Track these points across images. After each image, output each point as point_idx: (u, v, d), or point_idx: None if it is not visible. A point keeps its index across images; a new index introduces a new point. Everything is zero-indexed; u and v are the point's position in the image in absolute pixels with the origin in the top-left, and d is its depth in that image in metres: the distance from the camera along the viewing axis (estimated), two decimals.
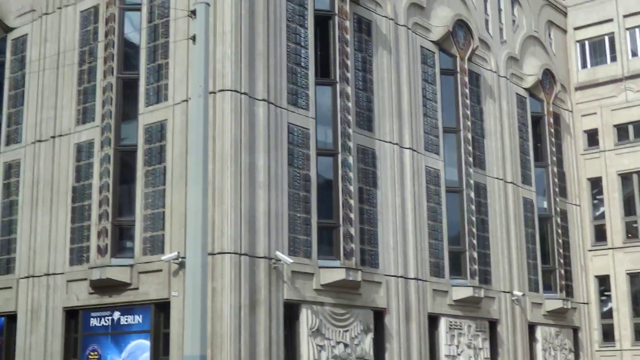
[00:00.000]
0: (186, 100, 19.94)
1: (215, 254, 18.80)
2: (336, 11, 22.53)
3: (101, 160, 21.05)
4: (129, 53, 21.76)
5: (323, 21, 22.60)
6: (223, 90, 19.44)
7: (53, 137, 22.70)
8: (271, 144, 20.22)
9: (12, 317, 23.07)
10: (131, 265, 20.29)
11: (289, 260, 19.67)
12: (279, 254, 19.68)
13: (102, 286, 20.65)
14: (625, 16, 34.96)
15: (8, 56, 24.59)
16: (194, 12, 15.17)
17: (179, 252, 19.13)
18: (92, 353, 21.10)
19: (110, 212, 20.66)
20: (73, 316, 21.73)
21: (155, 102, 20.87)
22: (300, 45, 21.73)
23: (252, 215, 19.41)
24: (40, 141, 23.00)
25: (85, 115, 22.24)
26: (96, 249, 20.71)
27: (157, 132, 20.63)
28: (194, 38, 15.17)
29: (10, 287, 22.97)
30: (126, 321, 20.59)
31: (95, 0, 22.51)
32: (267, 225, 19.69)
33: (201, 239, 14.11)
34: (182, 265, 19.11)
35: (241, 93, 19.64)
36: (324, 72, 22.40)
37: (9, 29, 24.60)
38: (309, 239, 21.00)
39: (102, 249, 20.57)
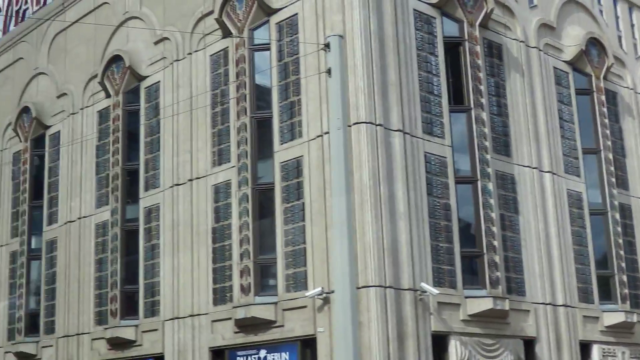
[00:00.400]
0: (321, 135, 20.72)
1: (360, 288, 19.26)
2: (466, 37, 22.99)
3: (239, 199, 21.99)
4: (260, 92, 22.73)
5: (453, 48, 23.07)
6: (358, 122, 20.06)
7: (190, 180, 23.89)
8: (409, 174, 20.70)
9: (159, 359, 24.19)
10: (275, 303, 21.02)
11: (435, 291, 19.96)
12: (424, 285, 20.00)
13: (247, 325, 21.46)
14: None
15: (142, 104, 26.10)
16: (327, 45, 15.96)
17: (322, 288, 19.72)
18: None
19: (251, 250, 21.54)
20: (219, 355, 22.61)
21: (290, 139, 21.69)
22: (431, 74, 22.23)
23: (395, 247, 19.86)
24: (178, 185, 24.24)
25: (220, 157, 23.31)
26: (239, 287, 21.58)
27: (294, 169, 21.42)
28: (329, 71, 15.92)
29: (156, 330, 24.11)
30: (273, 358, 21.27)
31: (224, 43, 23.69)
32: (410, 257, 20.10)
33: (348, 274, 14.83)
34: (326, 300, 19.71)
35: (376, 125, 20.25)
36: (457, 99, 22.84)
37: (142, 78, 26.14)
38: (453, 268, 21.27)
39: (245, 287, 21.41)
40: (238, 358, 22.04)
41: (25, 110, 30.71)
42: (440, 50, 22.66)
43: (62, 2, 30.29)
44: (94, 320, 26.58)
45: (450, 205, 21.64)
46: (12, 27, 34.33)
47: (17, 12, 34.17)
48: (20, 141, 31.11)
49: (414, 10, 22.09)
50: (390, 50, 21.10)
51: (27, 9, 33.54)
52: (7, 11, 34.84)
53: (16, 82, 32.30)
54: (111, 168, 26.34)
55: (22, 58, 32.22)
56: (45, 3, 32.29)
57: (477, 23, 23.26)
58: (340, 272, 14.90)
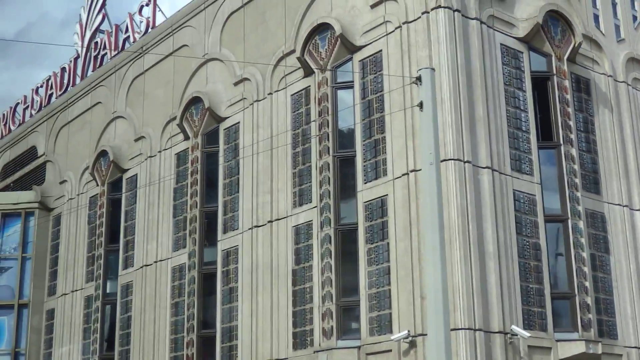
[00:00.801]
0: (407, 174, 20.86)
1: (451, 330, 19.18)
2: (554, 71, 23.08)
3: (321, 240, 22.19)
4: (343, 131, 23.01)
5: (541, 82, 23.11)
6: (446, 159, 20.10)
7: (270, 221, 24.22)
8: (497, 213, 20.66)
9: None
10: (358, 347, 21.00)
11: (526, 334, 19.75)
12: (515, 328, 19.81)
13: None
14: None
15: (221, 145, 26.70)
16: (419, 79, 16.16)
17: (409, 331, 19.65)
18: None
19: (333, 293, 21.63)
20: None
21: (374, 178, 21.88)
22: (519, 109, 22.29)
23: (484, 287, 19.73)
24: (257, 226, 24.60)
25: (301, 197, 23.64)
26: (321, 331, 21.63)
27: (378, 208, 21.56)
28: (421, 105, 16.10)
29: None
30: None
31: (306, 83, 24.17)
32: (500, 298, 19.95)
33: (442, 315, 14.71)
34: (412, 344, 19.64)
35: (464, 162, 20.31)
36: (545, 135, 22.83)
37: (222, 119, 26.80)
38: (543, 310, 21.05)
39: (327, 331, 21.47)
40: None
41: (103, 154, 31.68)
42: (527, 85, 22.76)
43: (141, 45, 31.35)
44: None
45: (539, 245, 21.50)
46: (89, 73, 35.50)
47: (96, 57, 35.42)
48: (97, 185, 32.02)
49: (501, 44, 22.31)
50: (477, 85, 21.25)
51: (106, 54, 34.75)
52: (85, 57, 36.13)
53: (94, 127, 33.38)
54: (189, 210, 26.91)
55: (100, 102, 33.35)
56: (123, 48, 33.42)
57: (565, 57, 23.41)
58: (434, 314, 14.88)
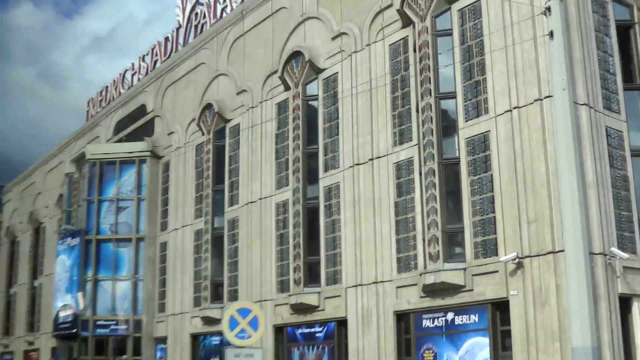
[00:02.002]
0: (510, 110, 18.20)
1: (556, 252, 16.66)
2: (635, 20, 20.11)
3: (425, 174, 19.61)
4: (443, 74, 20.28)
5: (624, 31, 20.16)
6: (550, 96, 17.40)
7: (371, 159, 21.67)
8: (595, 146, 17.92)
9: (341, 322, 21.97)
10: (464, 269, 18.50)
11: (625, 255, 17.19)
12: (614, 250, 17.23)
13: (434, 290, 19.02)
14: None
15: (320, 94, 24.10)
16: (548, 9, 13.81)
17: (517, 253, 17.16)
18: (427, 351, 19.42)
19: (439, 221, 19.09)
20: (403, 319, 20.22)
21: (475, 116, 19.19)
22: (607, 53, 19.38)
23: (586, 214, 17.07)
24: (358, 164, 22.06)
25: (401, 137, 21.04)
26: (427, 255, 19.18)
27: (480, 144, 18.91)
28: (551, 34, 13.77)
29: (338, 296, 21.91)
30: (461, 321, 18.76)
31: (404, 33, 21.43)
32: (599, 223, 17.28)
33: (581, 237, 14.65)
34: (519, 265, 17.20)
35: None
36: (627, 78, 19.92)
37: (320, 70, 24.19)
38: (633, 235, 18.33)
39: (433, 255, 18.99)
40: (424, 320, 19.62)
41: (208, 107, 29.21)
42: (613, 31, 19.75)
43: (241, 10, 28.71)
44: (277, 289, 24.58)
45: (628, 177, 18.72)
46: (191, 39, 32.94)
47: (196, 26, 32.87)
48: (203, 134, 29.59)
49: None
50: (574, 29, 18.31)
51: (205, 22, 32.17)
52: (186, 27, 33.59)
53: (198, 85, 30.87)
54: (291, 152, 24.40)
55: (203, 63, 30.79)
56: (222, 16, 30.82)
57: None
58: (572, 236, 14.32)
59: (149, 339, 31.29)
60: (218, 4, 31.45)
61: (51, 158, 44.08)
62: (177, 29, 34.38)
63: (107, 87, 40.12)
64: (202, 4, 32.91)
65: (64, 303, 33.00)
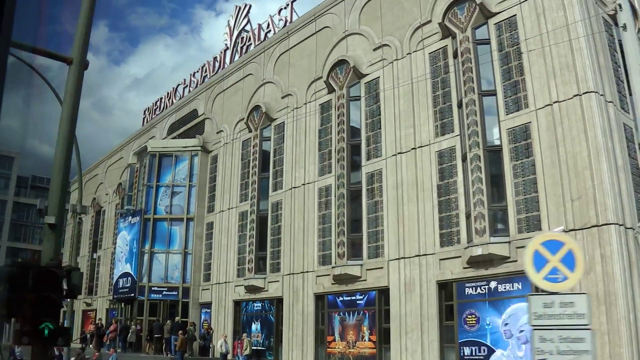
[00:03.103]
0: (550, 105, 15.14)
1: (600, 226, 13.56)
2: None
3: (471, 159, 16.36)
4: (484, 77, 17.16)
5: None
6: (589, 92, 14.39)
7: (414, 148, 18.35)
8: (621, 138, 15.00)
9: (382, 291, 18.49)
10: (509, 242, 15.24)
11: None
12: None
13: (477, 261, 15.71)
14: None
15: (362, 95, 20.74)
16: (620, 6, 10.84)
17: (564, 227, 13.95)
18: (469, 316, 16.03)
19: (485, 200, 15.83)
20: (445, 287, 16.84)
21: (515, 110, 16.08)
22: (616, 64, 16.46)
23: (620, 193, 14.09)
24: (401, 153, 18.71)
25: (443, 129, 17.80)
26: (473, 231, 15.87)
27: (522, 133, 15.78)
28: (624, 26, 10.67)
29: (380, 267, 18.43)
30: (504, 288, 15.44)
31: (443, 43, 18.30)
32: (629, 202, 14.34)
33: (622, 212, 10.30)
34: None
35: (601, 94, 14.63)
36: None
37: (363, 75, 20.85)
38: None
39: (479, 230, 15.70)
40: (466, 288, 16.25)
41: (256, 108, 25.62)
42: (617, 45, 16.91)
43: (287, 31, 25.27)
44: (318, 261, 20.97)
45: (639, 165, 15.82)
46: (236, 58, 29.36)
47: (242, 47, 29.32)
48: (250, 131, 25.96)
49: None
50: (597, 39, 15.52)
51: (250, 44, 28.66)
52: (232, 48, 30.02)
53: (245, 92, 27.27)
54: (336, 144, 20.94)
55: (250, 74, 27.22)
56: (265, 38, 27.37)
57: None
58: (615, 211, 11.76)
59: (196, 303, 27.27)
60: (262, 30, 28.01)
61: (113, 155, 39.90)
62: (225, 50, 30.74)
63: (161, 98, 36.19)
64: (247, 31, 29.38)
65: (124, 271, 28.80)
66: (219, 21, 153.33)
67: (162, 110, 35.31)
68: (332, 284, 20.03)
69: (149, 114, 36.92)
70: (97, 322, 28.50)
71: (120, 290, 28.72)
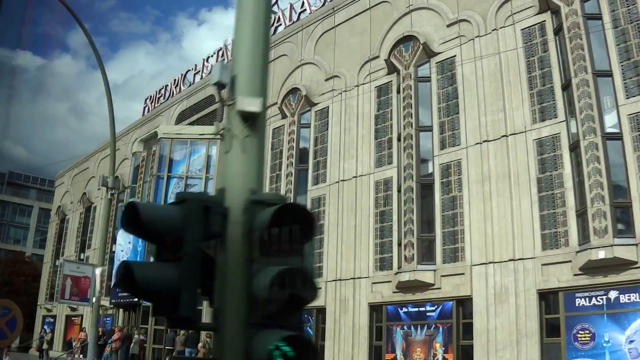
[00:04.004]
0: None
1: None
2: None
3: (585, 148, 14.18)
4: (596, 55, 15.08)
5: None
6: None
7: (505, 135, 16.09)
8: None
9: (461, 301, 16.01)
10: (635, 244, 13.05)
11: None
12: None
13: (596, 267, 13.45)
14: None
15: (434, 76, 18.45)
16: None
17: None
18: (581, 331, 13.69)
19: (606, 195, 13.62)
20: (547, 298, 14.50)
21: (638, 94, 14.05)
22: None
23: None
24: (487, 141, 16.42)
25: (542, 114, 15.64)
26: (592, 231, 13.59)
27: None
28: None
29: (461, 274, 15.99)
30: (628, 299, 13.21)
31: (540, 18, 16.22)
32: None
33: None
34: None
35: None
36: None
37: (434, 54, 18.57)
38: None
39: (599, 230, 13.46)
40: (577, 299, 13.94)
41: (292, 92, 23.04)
42: None
43: (333, 7, 22.90)
44: (374, 266, 18.38)
45: None
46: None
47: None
48: (284, 118, 23.32)
49: None
50: None
51: (280, 25, 26.16)
52: None
53: (276, 74, 24.59)
54: (402, 130, 18.49)
55: (284, 55, 24.63)
56: (299, 19, 24.95)
57: None
58: None
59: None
60: (294, 11, 25.58)
61: (106, 147, 36.49)
62: None
63: (165, 86, 33.19)
64: (275, 12, 26.88)
65: None
66: (200, 31, 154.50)
67: (168, 99, 32.33)
68: (394, 292, 17.46)
69: (152, 103, 33.86)
70: (98, 330, 24.95)
71: (120, 295, 25.39)
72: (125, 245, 26.14)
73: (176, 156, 25.94)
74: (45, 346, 28.40)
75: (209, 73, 29.57)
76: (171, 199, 24.26)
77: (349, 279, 18.88)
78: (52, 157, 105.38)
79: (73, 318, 34.11)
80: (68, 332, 32.66)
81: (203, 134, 25.96)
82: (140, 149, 28.08)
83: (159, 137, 26.25)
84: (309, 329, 20.06)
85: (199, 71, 30.92)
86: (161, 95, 33.43)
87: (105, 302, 29.58)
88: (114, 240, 31.03)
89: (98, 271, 13.56)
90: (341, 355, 18.50)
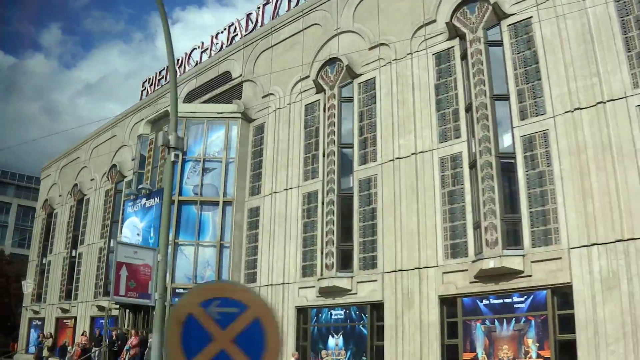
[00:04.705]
0: None
1: None
2: None
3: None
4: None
5: None
6: None
7: (601, 102, 14.39)
8: None
9: (556, 289, 14.23)
10: None
11: None
12: None
13: None
14: None
15: (506, 40, 16.67)
16: None
17: None
18: None
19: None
20: None
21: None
22: None
23: None
24: (579, 109, 14.70)
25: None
26: None
27: None
28: None
29: (557, 258, 14.22)
30: None
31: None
32: None
33: None
34: None
35: None
36: None
37: (506, 15, 16.79)
38: None
39: None
40: None
41: (329, 63, 20.95)
42: None
43: None
44: (444, 254, 16.46)
45: None
46: (282, 12, 24.62)
47: (289, 0, 24.64)
48: (320, 92, 21.22)
49: None
50: None
51: None
52: (275, 3, 25.28)
53: (308, 45, 22.53)
54: (473, 98, 16.61)
55: (316, 24, 22.50)
56: None
57: None
58: None
59: None
60: None
61: (101, 133, 33.69)
62: (264, 5, 25.89)
63: (166, 67, 30.63)
64: None
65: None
66: (174, 30, 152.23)
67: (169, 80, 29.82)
68: (472, 282, 15.57)
69: (151, 85, 31.22)
70: (111, 333, 22.25)
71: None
72: (134, 237, 23.56)
73: (191, 138, 23.50)
74: (45, 353, 25.53)
75: (220, 50, 27.31)
76: (187, 184, 21.97)
77: (412, 269, 16.92)
78: (24, 156, 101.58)
79: (65, 320, 31.24)
80: (59, 337, 29.76)
81: (221, 113, 23.61)
82: (147, 131, 25.48)
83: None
84: (362, 328, 18.04)
85: (206, 49, 28.54)
86: (162, 77, 30.88)
87: (103, 302, 26.97)
88: (114, 235, 28.39)
89: (159, 257, 11.01)
90: (406, 356, 16.51)
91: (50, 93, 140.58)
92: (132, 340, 19.96)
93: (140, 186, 23.48)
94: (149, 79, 31.67)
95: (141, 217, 23.50)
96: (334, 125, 20.15)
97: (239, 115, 23.48)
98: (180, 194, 22.67)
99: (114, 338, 21.14)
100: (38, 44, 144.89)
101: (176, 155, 10.09)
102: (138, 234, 23.39)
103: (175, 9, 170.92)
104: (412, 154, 17.88)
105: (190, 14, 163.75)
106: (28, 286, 34.67)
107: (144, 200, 23.53)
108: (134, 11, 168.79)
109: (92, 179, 32.43)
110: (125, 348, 19.83)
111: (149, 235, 22.76)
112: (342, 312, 18.63)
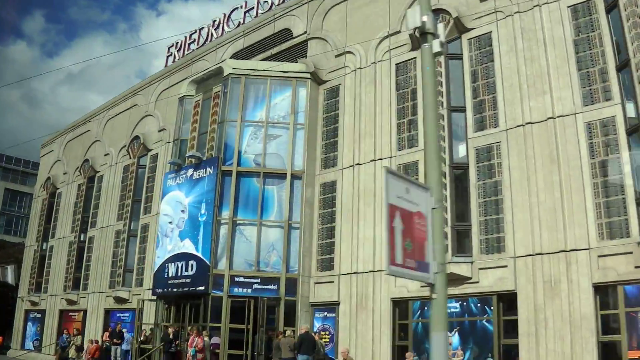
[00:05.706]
0: None
1: None
2: None
3: None
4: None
5: None
6: None
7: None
8: None
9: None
10: None
11: None
12: None
13: None
14: None
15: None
16: None
17: None
18: None
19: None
20: None
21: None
22: None
23: None
24: None
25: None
26: None
27: None
28: None
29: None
30: None
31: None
32: None
33: None
34: None
35: None
36: None
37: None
38: None
39: None
40: None
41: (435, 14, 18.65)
42: None
43: None
44: (598, 234, 14.33)
45: None
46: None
47: None
48: (414, 49, 18.94)
49: None
50: None
51: None
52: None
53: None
54: (633, 56, 14.53)
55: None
56: None
57: None
58: None
59: (306, 304, 19.24)
60: None
61: (117, 103, 30.53)
62: None
63: (199, 29, 27.78)
64: None
65: (178, 251, 20.01)
66: (159, 22, 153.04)
67: (204, 44, 27.00)
68: (637, 267, 13.49)
69: (179, 50, 28.37)
70: (167, 330, 19.03)
71: (171, 283, 19.85)
72: (177, 215, 20.65)
73: (250, 100, 20.84)
74: (72, 354, 22.16)
75: (270, 8, 24.77)
76: (246, 152, 19.54)
77: (554, 252, 14.77)
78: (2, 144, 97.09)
79: (71, 313, 27.89)
80: (64, 330, 26.42)
81: (287, 72, 21.06)
82: (192, 92, 22.61)
83: (226, 75, 21.01)
84: (485, 323, 15.74)
85: (252, 7, 25.92)
86: (193, 41, 28.08)
87: (122, 293, 23.98)
88: (135, 216, 25.43)
89: (434, 203, 6.66)
90: (550, 355, 14.29)
91: (31, 81, 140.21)
92: (198, 342, 16.98)
93: (189, 153, 20.60)
94: (176, 43, 28.79)
95: (187, 191, 20.62)
96: (442, 86, 17.87)
97: (308, 75, 20.98)
98: (238, 164, 19.96)
99: (171, 337, 18.16)
100: (20, 32, 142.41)
101: (442, 44, 7.42)
102: (182, 211, 20.52)
103: (161, 1, 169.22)
104: (549, 118, 15.78)
105: (176, 5, 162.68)
106: (9, 273, 31.30)
107: (190, 171, 20.68)
108: (120, 0, 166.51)
109: (106, 154, 29.29)
110: (191, 353, 16.83)
111: (198, 212, 19.93)
112: (458, 305, 16.29)
